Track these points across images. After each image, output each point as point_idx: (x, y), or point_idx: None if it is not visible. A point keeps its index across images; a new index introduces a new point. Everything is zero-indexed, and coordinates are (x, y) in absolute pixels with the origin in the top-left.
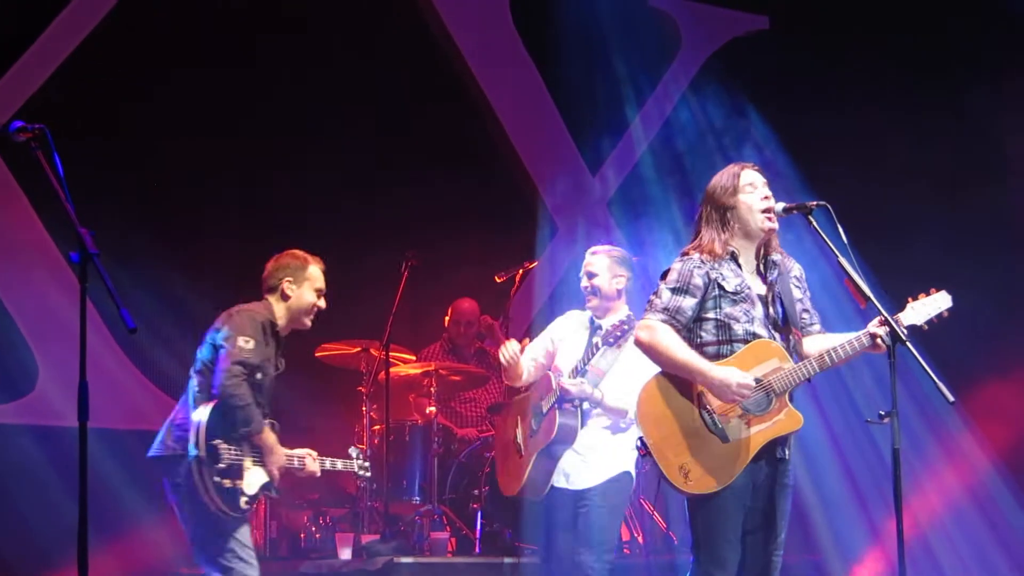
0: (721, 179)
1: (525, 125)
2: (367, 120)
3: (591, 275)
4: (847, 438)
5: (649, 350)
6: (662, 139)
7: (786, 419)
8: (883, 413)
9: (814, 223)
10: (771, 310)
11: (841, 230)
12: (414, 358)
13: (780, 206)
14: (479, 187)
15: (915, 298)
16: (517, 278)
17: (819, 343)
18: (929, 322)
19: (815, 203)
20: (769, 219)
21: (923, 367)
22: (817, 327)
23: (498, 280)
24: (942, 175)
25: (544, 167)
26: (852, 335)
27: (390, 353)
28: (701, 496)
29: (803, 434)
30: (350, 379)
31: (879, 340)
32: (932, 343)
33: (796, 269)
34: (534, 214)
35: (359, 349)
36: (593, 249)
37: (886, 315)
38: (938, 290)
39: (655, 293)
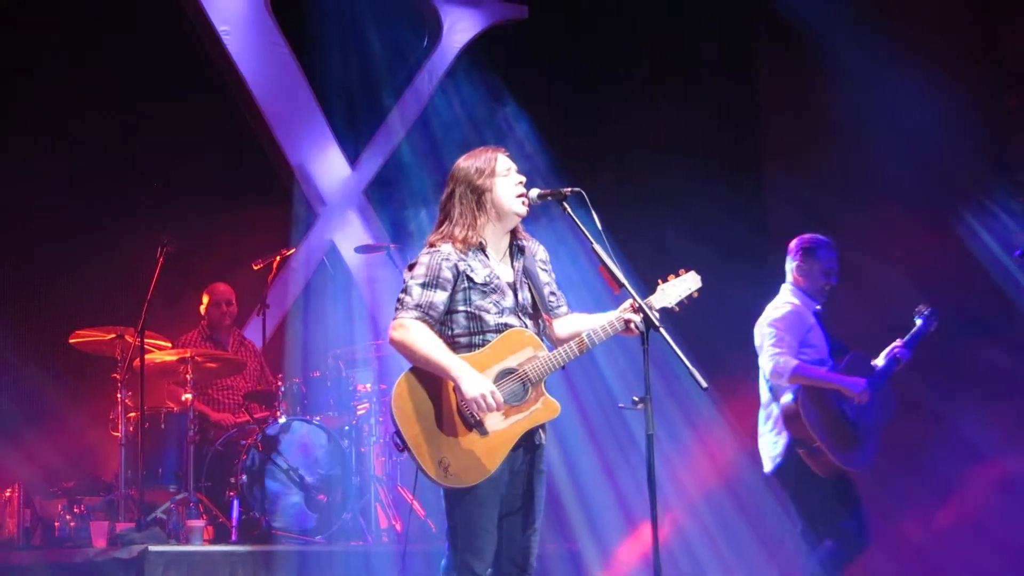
0: (476, 161)
1: (282, 109)
2: (121, 98)
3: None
4: (601, 424)
5: (404, 349)
6: (421, 127)
7: (543, 408)
8: (637, 399)
9: (568, 209)
10: (520, 297)
11: (595, 216)
12: (170, 345)
13: (535, 192)
14: (236, 172)
15: (665, 280)
16: (274, 265)
17: (570, 325)
18: (680, 303)
19: (569, 189)
20: (524, 203)
21: (676, 353)
22: (564, 309)
23: (255, 268)
24: (699, 165)
25: (301, 152)
26: (605, 318)
27: (146, 340)
28: (459, 489)
29: (558, 420)
30: (105, 366)
31: (632, 325)
32: (689, 331)
33: (541, 252)
34: (291, 200)
35: (114, 336)
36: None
37: (640, 301)
38: (687, 271)
39: (404, 290)
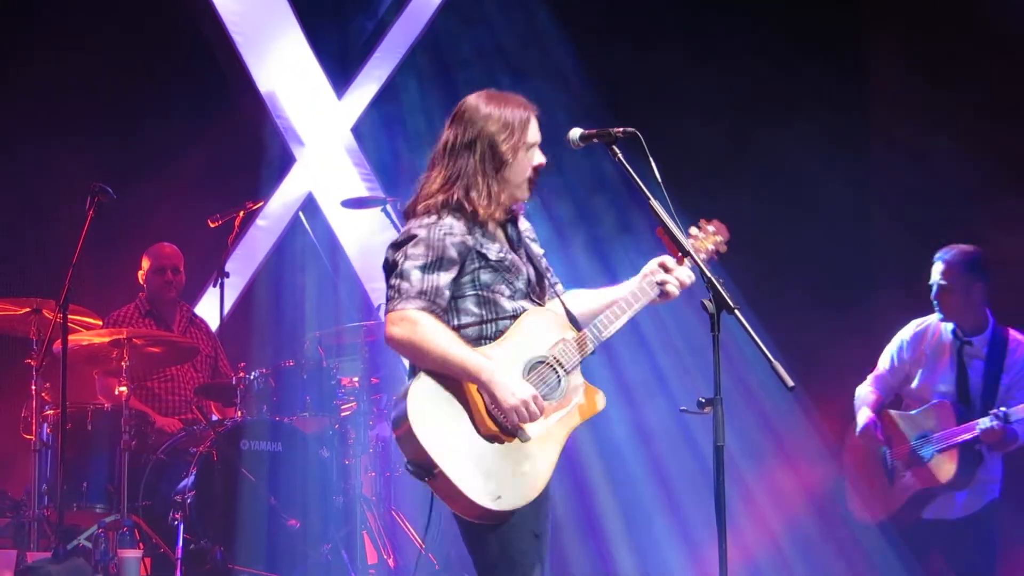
0: (506, 114)
1: (250, 21)
2: (51, 25)
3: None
4: (657, 431)
5: (411, 349)
6: (428, 44)
7: (587, 401)
8: (703, 400)
9: (619, 156)
10: (529, 274)
11: (653, 164)
12: (100, 323)
13: (577, 132)
14: (189, 103)
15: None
16: (236, 223)
17: (576, 304)
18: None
19: (621, 130)
20: (529, 190)
21: (755, 342)
22: (560, 286)
23: (211, 225)
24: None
25: (274, 77)
26: (626, 288)
27: (70, 316)
28: (501, 512)
29: (600, 429)
30: (17, 349)
31: (669, 287)
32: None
33: (523, 222)
34: (260, 139)
35: (28, 310)
36: None
37: (710, 276)
38: (709, 220)
39: (398, 274)
